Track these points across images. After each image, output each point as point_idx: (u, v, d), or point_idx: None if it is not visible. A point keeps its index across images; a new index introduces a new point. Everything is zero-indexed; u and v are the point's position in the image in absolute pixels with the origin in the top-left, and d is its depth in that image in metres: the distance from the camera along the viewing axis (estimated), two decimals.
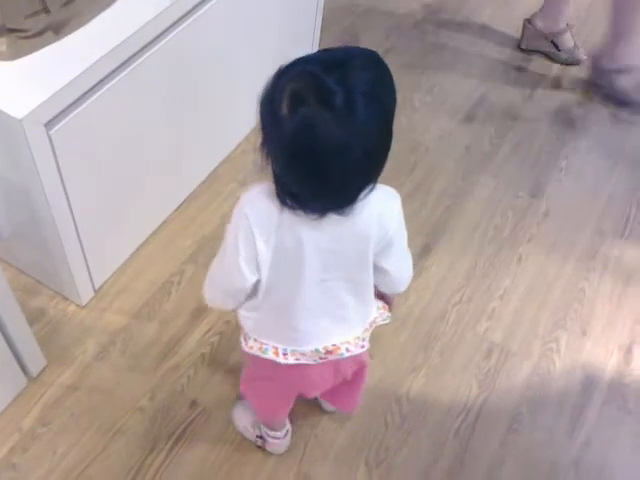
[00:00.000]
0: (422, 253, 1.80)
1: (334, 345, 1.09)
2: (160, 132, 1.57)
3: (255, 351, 1.11)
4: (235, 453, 1.42)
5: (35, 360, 1.46)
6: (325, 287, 1.02)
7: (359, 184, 0.88)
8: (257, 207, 0.94)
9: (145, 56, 1.36)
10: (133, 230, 1.69)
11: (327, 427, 1.47)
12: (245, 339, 1.13)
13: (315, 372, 1.14)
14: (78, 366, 1.51)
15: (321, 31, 2.10)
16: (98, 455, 1.39)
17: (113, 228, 1.58)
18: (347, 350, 1.10)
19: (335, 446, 1.45)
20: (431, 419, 1.51)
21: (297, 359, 1.10)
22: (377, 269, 1.04)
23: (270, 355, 1.10)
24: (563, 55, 2.37)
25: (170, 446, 1.42)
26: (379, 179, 0.91)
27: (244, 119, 1.84)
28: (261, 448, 1.42)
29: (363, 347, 1.12)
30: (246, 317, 1.10)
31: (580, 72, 2.36)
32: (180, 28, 1.43)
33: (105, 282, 1.65)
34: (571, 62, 2.38)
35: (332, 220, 0.91)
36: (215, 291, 1.10)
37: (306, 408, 1.45)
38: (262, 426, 1.39)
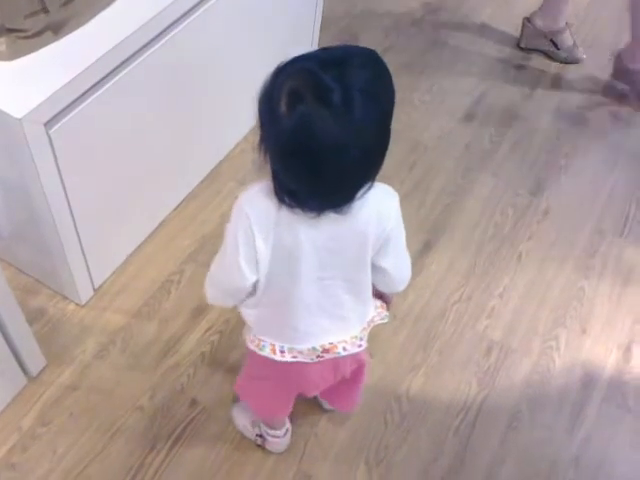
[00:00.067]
0: (422, 251, 1.80)
1: (331, 343, 1.09)
2: (159, 131, 1.57)
3: (254, 346, 1.11)
4: (235, 452, 1.42)
5: (35, 359, 1.46)
6: (323, 286, 1.02)
7: (356, 182, 0.88)
8: (256, 205, 0.94)
9: (144, 56, 1.36)
10: (133, 229, 1.69)
11: (327, 426, 1.48)
12: (248, 332, 1.13)
13: (314, 371, 1.14)
14: (78, 365, 1.51)
15: (320, 30, 2.10)
16: (98, 454, 1.39)
17: (113, 227, 1.58)
18: (344, 349, 1.10)
19: (335, 445, 1.45)
20: (431, 417, 1.51)
21: (294, 357, 1.10)
22: (375, 268, 1.04)
23: (267, 352, 1.10)
24: (562, 54, 2.37)
25: (170, 445, 1.42)
26: (378, 177, 0.91)
27: (243, 118, 1.84)
28: (261, 447, 1.42)
29: (360, 346, 1.12)
30: (247, 313, 1.11)
31: (579, 71, 2.37)
32: (179, 28, 1.43)
33: (105, 281, 1.65)
34: (570, 61, 2.38)
35: (330, 219, 0.91)
36: (216, 290, 1.10)
37: (306, 407, 1.45)
38: (262, 425, 1.39)
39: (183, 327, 1.59)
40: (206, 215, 1.81)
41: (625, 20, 2.18)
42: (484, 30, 2.49)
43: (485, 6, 2.59)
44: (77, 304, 1.60)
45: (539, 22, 2.34)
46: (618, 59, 2.27)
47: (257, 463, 1.41)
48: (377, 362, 1.57)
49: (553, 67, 2.38)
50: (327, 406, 1.47)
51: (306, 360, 1.11)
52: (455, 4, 2.58)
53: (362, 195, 0.90)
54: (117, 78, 1.32)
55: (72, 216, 1.40)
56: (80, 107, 1.26)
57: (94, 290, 1.62)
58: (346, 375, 1.20)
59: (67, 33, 1.29)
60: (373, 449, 1.46)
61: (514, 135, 2.14)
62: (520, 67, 2.37)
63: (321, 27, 2.10)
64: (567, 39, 2.35)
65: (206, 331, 1.59)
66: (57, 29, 1.27)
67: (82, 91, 1.26)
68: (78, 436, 1.41)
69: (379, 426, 1.49)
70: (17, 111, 1.15)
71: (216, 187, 1.87)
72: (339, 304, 1.06)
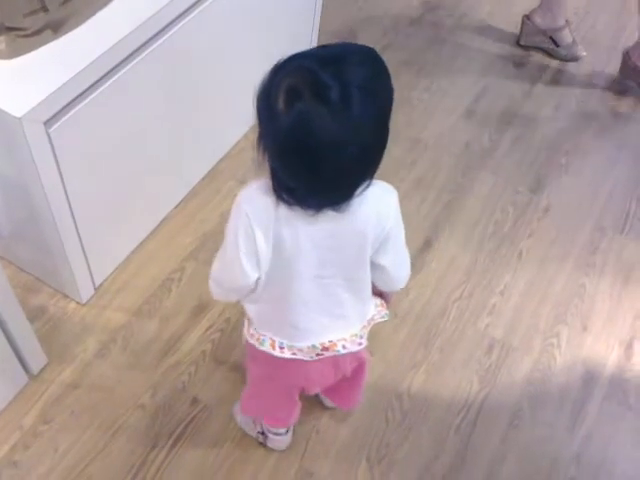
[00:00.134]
0: (422, 249, 1.80)
1: (331, 341, 1.09)
2: (159, 130, 1.57)
3: (254, 341, 1.12)
4: (237, 450, 1.43)
5: (36, 358, 1.46)
6: (321, 284, 1.02)
7: (355, 180, 0.88)
8: (255, 203, 0.94)
9: (144, 54, 1.36)
10: (133, 227, 1.69)
11: (328, 424, 1.48)
12: (248, 326, 1.13)
13: (314, 369, 1.14)
14: (79, 364, 1.51)
15: (319, 28, 2.10)
16: (99, 453, 1.40)
17: (113, 226, 1.58)
18: (344, 347, 1.10)
19: (337, 442, 1.46)
20: (432, 415, 1.52)
21: (294, 354, 1.10)
22: (374, 266, 1.04)
23: (267, 347, 1.10)
24: (562, 51, 2.37)
25: (171, 443, 1.42)
26: (378, 176, 0.91)
27: (243, 117, 1.82)
28: (263, 445, 1.42)
29: (360, 344, 1.12)
30: (249, 308, 1.11)
31: (579, 68, 2.37)
32: (179, 26, 1.43)
33: (105, 279, 1.65)
34: (570, 58, 2.38)
35: (328, 216, 0.91)
36: (219, 288, 1.10)
37: (307, 404, 1.45)
38: (263, 423, 1.39)
39: (184, 325, 1.60)
40: (206, 213, 1.81)
41: (625, 18, 2.19)
42: (483, 28, 2.49)
43: (484, 4, 2.58)
44: (78, 302, 1.60)
45: (538, 19, 2.34)
46: (626, 57, 2.28)
47: (259, 461, 1.42)
48: (378, 360, 1.57)
49: (553, 65, 2.38)
50: (329, 404, 1.47)
51: (306, 358, 1.11)
52: (454, 2, 2.58)
53: (361, 193, 0.90)
54: (117, 76, 1.32)
55: (72, 214, 1.40)
56: (80, 106, 1.26)
57: (95, 288, 1.62)
58: (347, 373, 1.20)
59: (66, 32, 1.29)
60: (374, 447, 1.46)
61: (514, 133, 2.14)
62: (520, 65, 2.37)
63: (320, 25, 2.09)
64: (567, 36, 2.35)
65: (207, 329, 1.59)
66: (56, 28, 1.27)
67: (82, 89, 1.26)
68: (79, 434, 1.41)
69: (380, 424, 1.49)
70: (17, 110, 1.14)
71: (216, 185, 1.87)
72: (339, 303, 1.06)
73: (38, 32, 1.24)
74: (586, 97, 2.28)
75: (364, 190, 0.90)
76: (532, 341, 1.66)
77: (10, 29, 1.21)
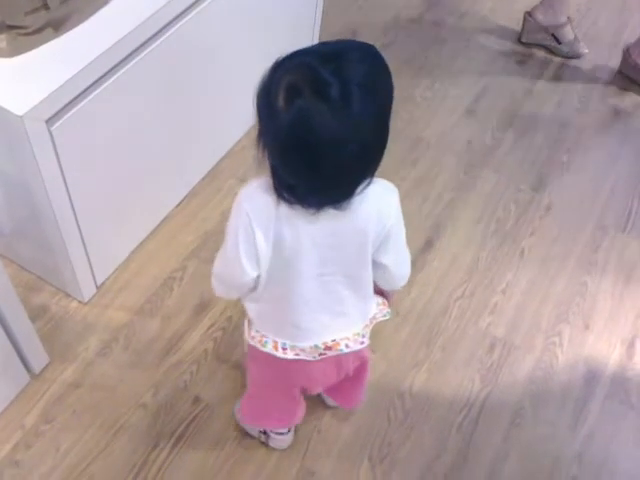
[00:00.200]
0: (424, 248, 1.80)
1: (333, 341, 1.09)
2: (160, 128, 1.57)
3: (255, 342, 1.11)
4: (238, 449, 1.42)
5: (37, 357, 1.46)
6: (323, 282, 1.02)
7: (355, 177, 0.88)
8: (255, 202, 0.94)
9: (145, 52, 1.36)
10: (135, 226, 1.69)
11: (330, 423, 1.48)
12: (249, 328, 1.13)
13: (317, 369, 1.14)
14: (81, 363, 1.51)
15: (320, 26, 2.10)
16: (101, 452, 1.40)
17: (115, 224, 1.58)
18: (346, 346, 1.10)
19: (338, 442, 1.45)
20: (434, 414, 1.51)
21: (297, 354, 1.10)
22: (375, 264, 1.04)
23: (269, 349, 1.10)
24: (564, 48, 2.37)
25: (173, 442, 1.42)
26: (380, 174, 0.91)
27: (244, 115, 1.81)
28: (264, 444, 1.42)
29: (363, 343, 1.12)
30: (249, 307, 1.11)
31: (581, 65, 2.36)
32: (180, 24, 1.43)
33: (107, 278, 1.65)
34: (572, 55, 2.37)
35: (329, 214, 0.91)
36: (220, 285, 1.10)
37: (309, 404, 1.45)
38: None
39: (186, 324, 1.59)
40: (208, 212, 1.81)
41: (627, 15, 2.18)
42: (485, 25, 2.48)
43: (486, 0, 2.58)
44: (80, 301, 1.60)
45: (540, 16, 2.33)
46: (626, 54, 2.27)
47: (260, 460, 1.42)
48: (380, 359, 1.57)
49: (554, 62, 2.38)
50: (331, 403, 1.47)
51: (308, 358, 1.11)
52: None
53: (361, 191, 0.90)
54: (118, 75, 1.32)
55: (74, 213, 1.40)
56: (81, 104, 1.26)
57: (96, 287, 1.62)
58: (349, 372, 1.20)
59: (68, 30, 1.29)
60: (376, 446, 1.46)
61: (516, 130, 2.14)
62: (521, 62, 2.37)
63: (321, 23, 2.09)
64: (568, 33, 2.35)
65: (209, 328, 1.59)
66: (58, 26, 1.27)
67: (83, 88, 1.26)
68: (81, 433, 1.41)
69: (382, 423, 1.49)
70: (18, 108, 1.14)
71: (217, 184, 1.87)
72: (339, 300, 1.06)
73: (39, 30, 1.24)
74: (588, 94, 2.27)
75: (365, 188, 0.90)
76: (534, 340, 1.66)
77: (11, 27, 1.21)
